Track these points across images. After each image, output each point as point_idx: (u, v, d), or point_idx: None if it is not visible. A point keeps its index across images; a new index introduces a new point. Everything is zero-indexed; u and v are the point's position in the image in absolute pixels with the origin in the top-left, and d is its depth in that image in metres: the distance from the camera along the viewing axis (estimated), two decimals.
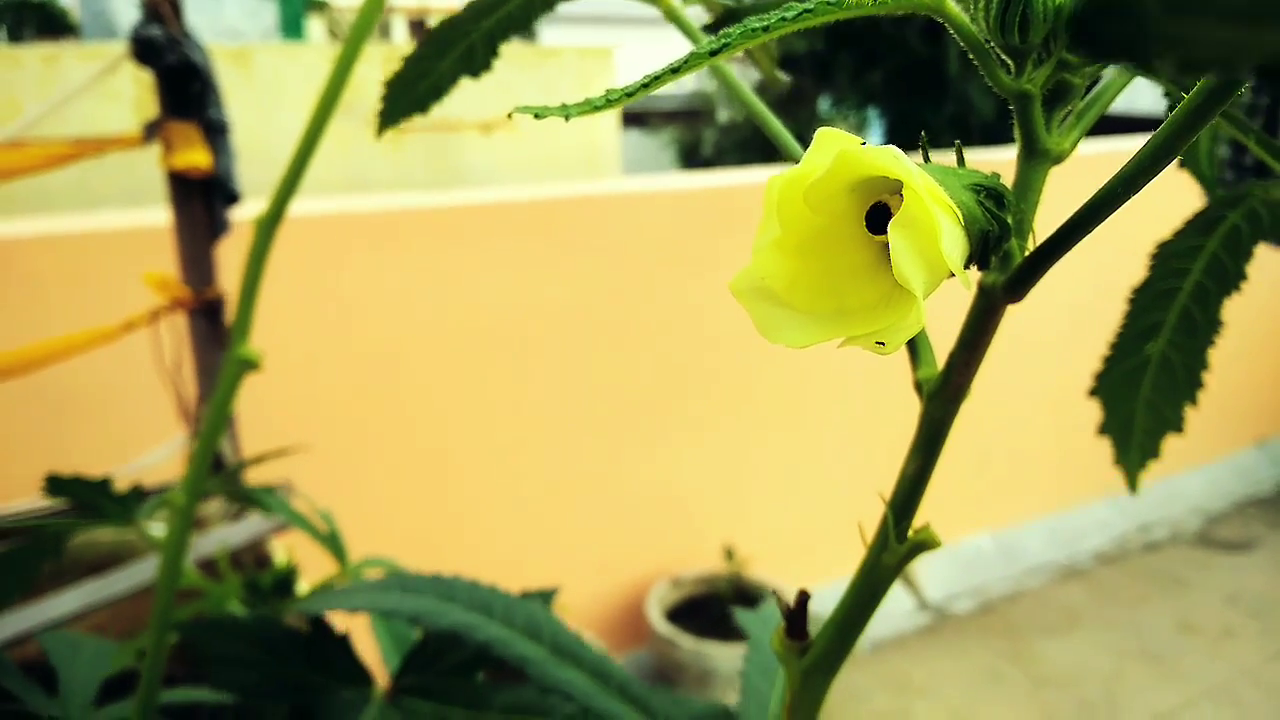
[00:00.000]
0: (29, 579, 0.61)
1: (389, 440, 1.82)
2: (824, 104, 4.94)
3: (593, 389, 2.19)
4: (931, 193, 0.16)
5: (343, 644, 0.40)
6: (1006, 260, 0.19)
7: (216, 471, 0.95)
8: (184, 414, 1.15)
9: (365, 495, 1.84)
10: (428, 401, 1.98)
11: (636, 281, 2.22)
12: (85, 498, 0.52)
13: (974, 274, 0.19)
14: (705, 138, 5.96)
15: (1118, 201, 0.17)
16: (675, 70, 0.20)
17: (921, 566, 2.62)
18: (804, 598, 0.23)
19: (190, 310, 1.15)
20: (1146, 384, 0.33)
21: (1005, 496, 2.83)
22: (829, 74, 4.55)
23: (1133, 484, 0.35)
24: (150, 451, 1.25)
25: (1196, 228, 0.30)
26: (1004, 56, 0.19)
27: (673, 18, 0.29)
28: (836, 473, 2.44)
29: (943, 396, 0.21)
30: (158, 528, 1.14)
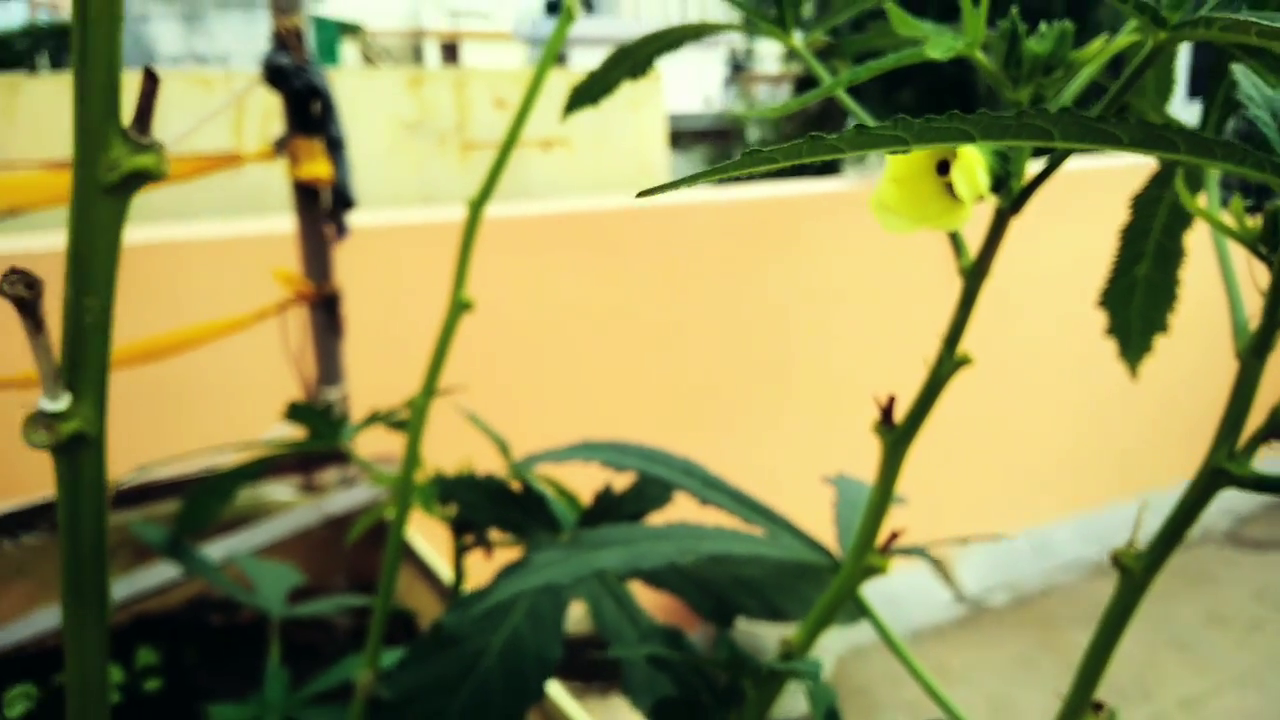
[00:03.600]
0: (229, 498, 0.77)
1: (448, 428, 1.99)
2: (853, 121, 5.12)
3: (641, 388, 2.35)
4: (973, 152, 0.32)
5: (541, 499, 0.56)
6: (1010, 192, 0.35)
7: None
8: (306, 391, 1.32)
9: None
10: (485, 394, 2.13)
11: (684, 285, 2.38)
12: (310, 420, 0.68)
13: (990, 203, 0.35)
14: (735, 157, 6.15)
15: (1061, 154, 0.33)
16: (804, 98, 0.35)
17: (959, 561, 2.74)
18: (891, 400, 0.38)
19: (312, 303, 1.32)
20: (1138, 297, 0.48)
21: (1039, 496, 2.93)
22: (858, 92, 4.75)
23: (1133, 371, 0.50)
24: (272, 428, 1.42)
25: (1158, 181, 0.45)
26: (1007, 79, 0.34)
27: (797, 52, 0.44)
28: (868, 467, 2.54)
29: (976, 274, 0.36)
30: (284, 490, 1.31)
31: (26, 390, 1.21)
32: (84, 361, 0.29)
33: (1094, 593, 2.75)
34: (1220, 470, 0.31)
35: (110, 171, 0.27)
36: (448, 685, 0.47)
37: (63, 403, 0.28)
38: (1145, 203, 0.46)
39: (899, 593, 2.57)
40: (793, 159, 0.24)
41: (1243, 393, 0.31)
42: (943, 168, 0.33)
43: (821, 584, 0.52)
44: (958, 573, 2.71)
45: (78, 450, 0.29)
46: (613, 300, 2.29)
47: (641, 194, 0.24)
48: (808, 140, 0.24)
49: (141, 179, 0.27)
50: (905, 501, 0.54)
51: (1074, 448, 2.93)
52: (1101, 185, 2.50)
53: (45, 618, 1.07)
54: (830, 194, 2.60)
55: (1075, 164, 2.77)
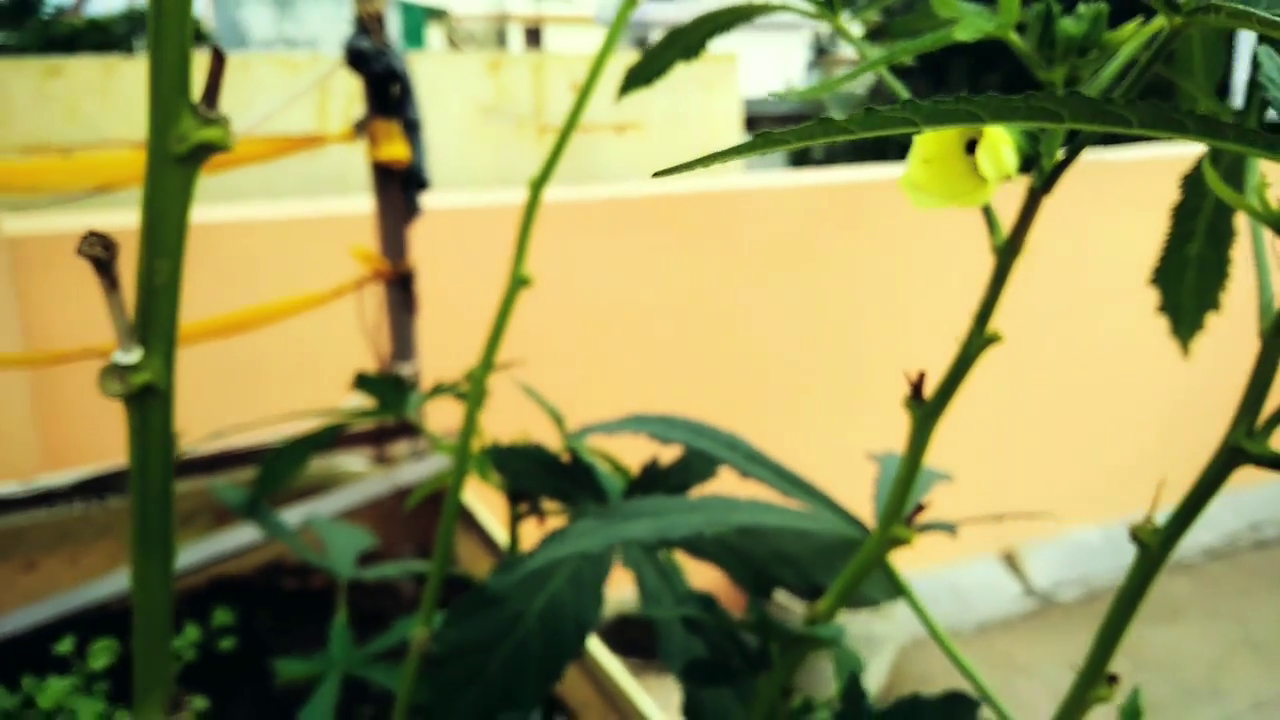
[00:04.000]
0: (303, 463, 0.81)
1: (513, 401, 2.03)
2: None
3: (705, 369, 2.36)
4: (999, 132, 0.33)
5: (589, 469, 0.57)
6: (1040, 171, 0.35)
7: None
8: (380, 366, 1.36)
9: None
10: (552, 370, 2.17)
11: (752, 268, 2.39)
12: (377, 391, 0.71)
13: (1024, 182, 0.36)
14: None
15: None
16: (850, 76, 0.36)
17: (1029, 555, 2.70)
18: (921, 376, 0.39)
19: (387, 280, 1.36)
20: (1190, 275, 0.48)
21: (1114, 492, 2.87)
22: (944, 78, 4.69)
23: (1185, 349, 0.50)
24: (347, 399, 1.47)
25: (1210, 161, 0.45)
26: (1041, 60, 0.35)
27: (841, 32, 0.45)
28: (943, 446, 2.52)
29: (1008, 252, 0.37)
30: (357, 461, 1.36)
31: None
32: (154, 319, 0.31)
33: (1169, 590, 2.68)
34: (1238, 449, 0.31)
35: (180, 143, 0.29)
36: (489, 643, 0.50)
37: (134, 356, 0.31)
38: (1196, 181, 0.45)
39: (967, 585, 2.54)
40: (804, 141, 0.25)
41: (1264, 372, 0.31)
42: (971, 147, 0.34)
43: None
44: (1028, 566, 2.67)
45: (147, 400, 0.32)
46: (680, 281, 2.31)
47: (657, 174, 0.25)
48: (819, 122, 0.25)
49: (209, 150, 0.30)
50: (950, 478, 0.54)
51: (1156, 443, 2.85)
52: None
53: (127, 576, 1.13)
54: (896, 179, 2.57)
55: (1152, 151, 2.70)
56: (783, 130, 0.25)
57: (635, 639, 2.25)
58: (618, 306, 2.25)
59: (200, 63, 0.27)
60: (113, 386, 0.31)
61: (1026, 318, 2.63)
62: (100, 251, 0.30)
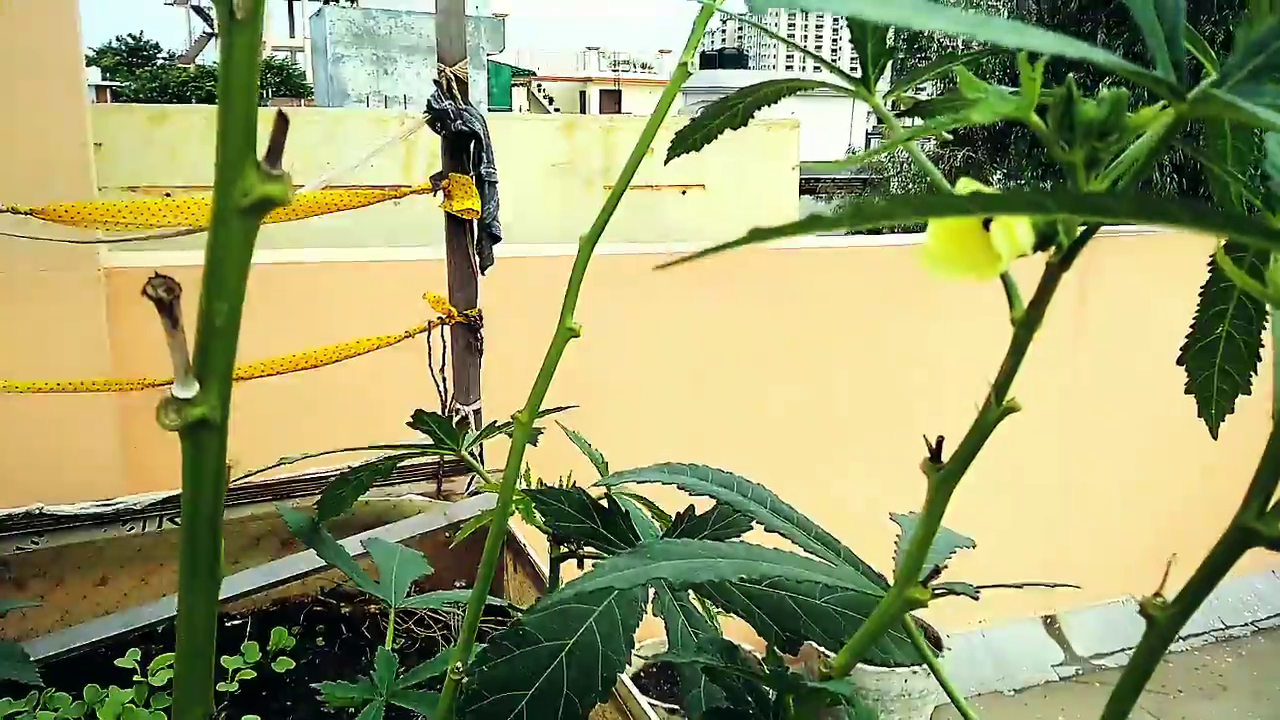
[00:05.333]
0: (362, 490, 0.84)
1: (567, 447, 2.08)
2: (995, 175, 5.05)
3: (769, 414, 2.38)
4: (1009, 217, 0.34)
5: (625, 515, 0.59)
6: (1059, 248, 0.36)
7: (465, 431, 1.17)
8: (446, 405, 1.40)
9: None
10: (622, 417, 2.22)
11: (806, 324, 2.41)
12: (432, 427, 0.74)
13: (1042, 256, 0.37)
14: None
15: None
16: (876, 151, 0.38)
17: (1072, 621, 2.66)
18: (940, 440, 0.40)
19: (455, 324, 1.40)
20: (1220, 355, 0.47)
21: (1160, 563, 2.78)
22: (1003, 148, 4.68)
23: (1214, 433, 0.50)
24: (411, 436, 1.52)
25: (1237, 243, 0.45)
26: (1061, 142, 0.36)
27: (879, 112, 0.47)
28: (998, 514, 2.50)
29: (1026, 324, 0.37)
30: (416, 495, 1.39)
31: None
32: (212, 357, 0.34)
33: (1215, 664, 2.59)
34: (1249, 529, 0.31)
35: (244, 197, 0.32)
36: (522, 680, 0.51)
37: (191, 391, 0.34)
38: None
39: (1008, 648, 2.50)
40: (841, 226, 0.27)
41: (1275, 454, 0.31)
42: (987, 223, 0.35)
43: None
44: (1071, 634, 2.63)
45: (201, 433, 0.35)
46: (733, 334, 2.34)
47: (675, 262, 0.27)
48: (852, 209, 0.26)
49: (270, 204, 0.33)
50: (973, 545, 0.55)
51: (1205, 518, 2.76)
52: None
53: None
54: None
55: None
56: (827, 216, 0.27)
57: (672, 687, 2.23)
58: (671, 354, 2.29)
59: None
60: (169, 419, 0.34)
61: (1079, 388, 2.60)
62: (163, 293, 0.32)
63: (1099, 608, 2.69)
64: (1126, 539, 2.70)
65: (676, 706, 2.04)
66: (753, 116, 0.55)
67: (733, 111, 0.54)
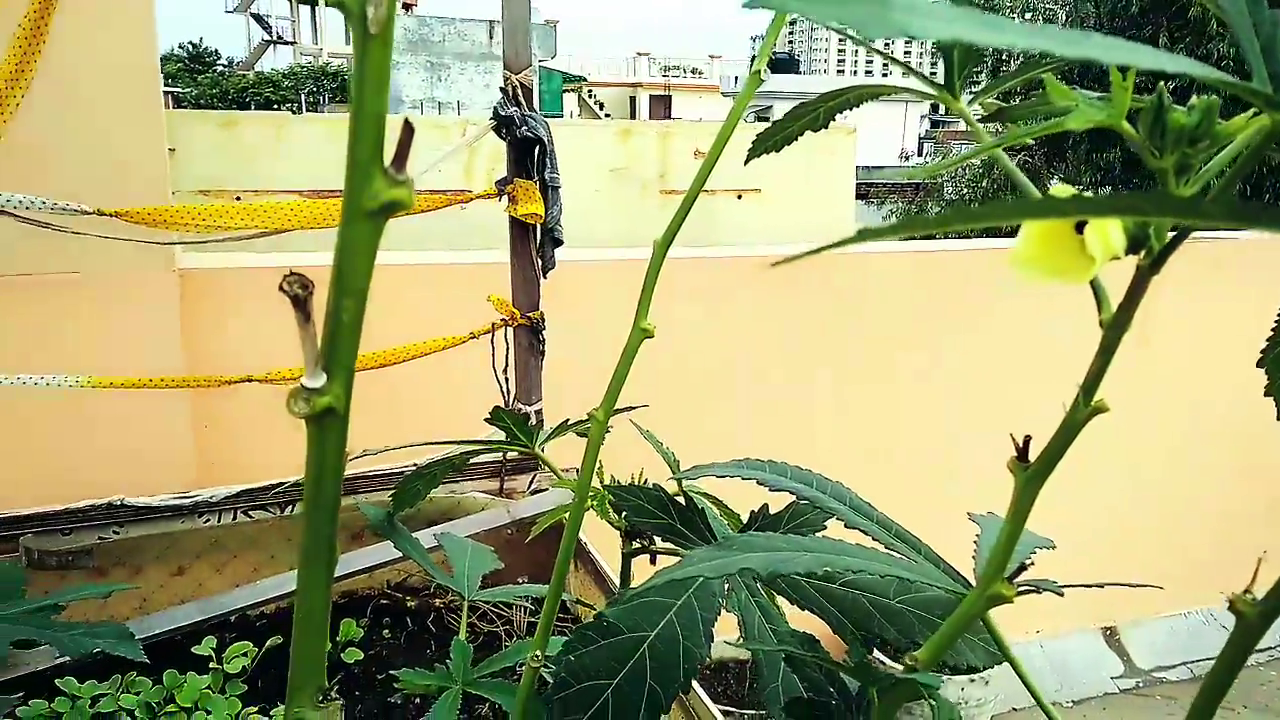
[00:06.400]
0: (434, 483, 0.86)
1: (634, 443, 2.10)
2: (1052, 180, 5.00)
3: (819, 418, 2.38)
4: (1103, 219, 0.35)
5: (700, 511, 0.60)
6: (1149, 251, 0.37)
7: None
8: (505, 404, 1.43)
9: None
10: (670, 415, 2.24)
11: (862, 329, 2.41)
12: (508, 423, 0.76)
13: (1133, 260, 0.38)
14: (928, 211, 6.11)
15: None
16: (966, 156, 0.39)
17: (1132, 632, 2.62)
18: (1027, 440, 0.41)
19: (518, 326, 1.43)
20: None
21: (1222, 574, 2.73)
22: (1060, 153, 4.63)
23: None
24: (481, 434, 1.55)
25: None
26: (1152, 149, 0.37)
27: (962, 116, 0.48)
28: (1058, 523, 2.47)
29: (1116, 327, 0.38)
30: (480, 495, 1.41)
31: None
32: (338, 350, 0.36)
33: (1279, 680, 2.53)
34: None
35: (372, 200, 0.35)
36: (607, 669, 0.53)
37: (319, 381, 0.36)
38: None
39: (1068, 658, 2.47)
40: (945, 227, 0.28)
41: None
42: (1080, 226, 0.36)
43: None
44: (1131, 646, 2.59)
45: (327, 421, 0.37)
46: (788, 338, 2.35)
47: (775, 264, 0.28)
48: (953, 212, 0.28)
49: (395, 207, 0.35)
50: (1053, 545, 0.55)
51: (1268, 526, 2.72)
52: None
53: (268, 586, 1.22)
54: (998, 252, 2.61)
55: None
56: (881, 227, 0.29)
57: (727, 688, 2.24)
58: (729, 356, 2.30)
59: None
60: (299, 407, 0.36)
61: (1141, 396, 2.57)
62: (299, 289, 0.35)
63: (1160, 620, 2.65)
64: (1189, 550, 2.66)
65: (732, 709, 2.05)
66: (834, 120, 0.56)
67: (814, 114, 0.55)
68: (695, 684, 0.96)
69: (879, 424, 2.48)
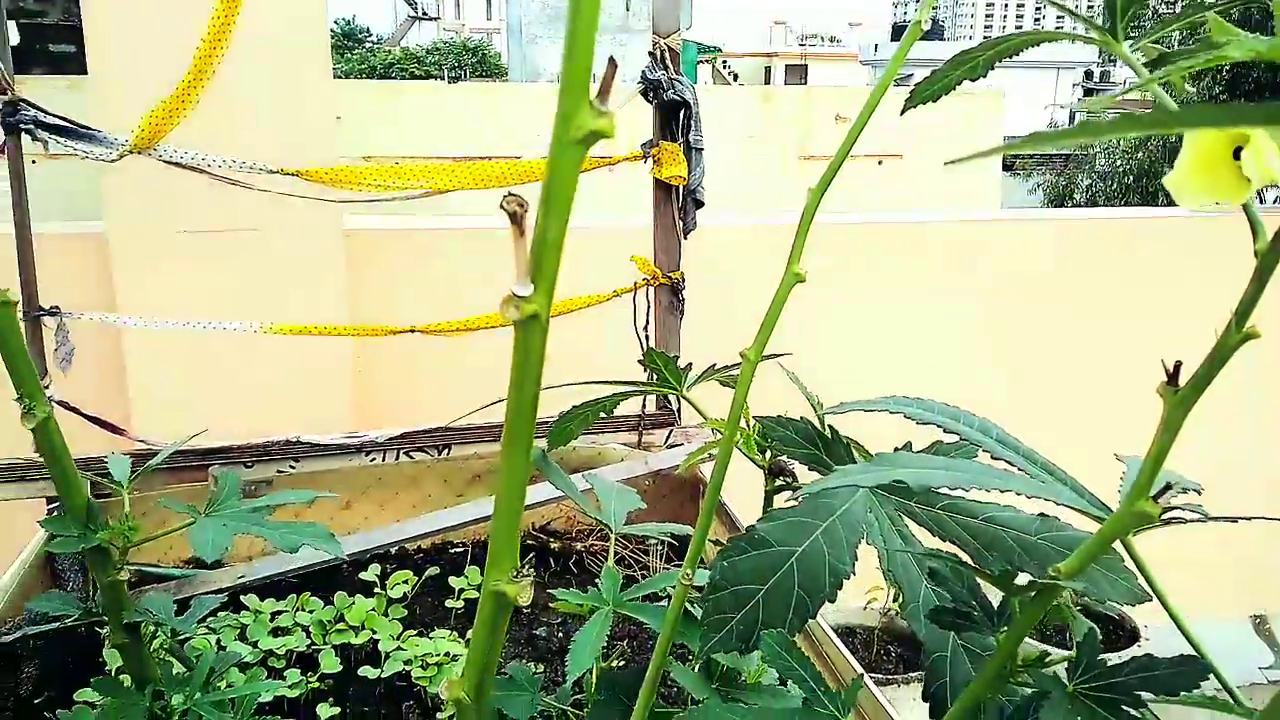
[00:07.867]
0: (588, 423, 0.92)
1: (767, 393, 2.15)
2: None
3: (959, 390, 2.37)
4: (1264, 139, 0.37)
5: (847, 444, 0.64)
6: None
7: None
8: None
9: None
10: (807, 367, 2.26)
11: (1000, 295, 2.36)
12: (659, 365, 0.81)
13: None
14: (1078, 183, 5.84)
15: None
16: (1128, 90, 0.41)
17: None
18: (1178, 365, 0.43)
19: (659, 286, 1.48)
20: None
21: None
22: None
23: None
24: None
25: None
26: None
27: (1127, 61, 0.50)
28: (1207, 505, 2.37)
29: (1273, 251, 0.40)
30: (620, 447, 1.46)
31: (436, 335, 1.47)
32: (543, 265, 0.41)
33: None
34: None
35: (578, 130, 0.39)
36: (759, 576, 0.57)
37: (527, 290, 0.41)
38: None
39: (1213, 648, 2.36)
40: (1071, 138, 0.31)
41: None
42: (1237, 152, 0.38)
43: (1102, 561, 0.56)
44: None
45: (531, 326, 0.42)
46: (933, 304, 2.33)
47: (949, 163, 0.32)
48: (1152, 115, 0.30)
49: (597, 136, 0.40)
50: (1201, 488, 0.57)
51: None
52: None
53: (428, 522, 1.31)
54: (1159, 220, 2.51)
55: None
56: (1051, 131, 0.31)
57: (854, 652, 2.25)
58: (861, 318, 2.31)
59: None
60: (509, 312, 0.42)
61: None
62: (516, 208, 0.40)
63: None
64: None
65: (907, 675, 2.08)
66: (993, 68, 0.58)
67: (974, 63, 0.57)
68: (826, 625, 1.00)
69: (1017, 388, 2.44)
